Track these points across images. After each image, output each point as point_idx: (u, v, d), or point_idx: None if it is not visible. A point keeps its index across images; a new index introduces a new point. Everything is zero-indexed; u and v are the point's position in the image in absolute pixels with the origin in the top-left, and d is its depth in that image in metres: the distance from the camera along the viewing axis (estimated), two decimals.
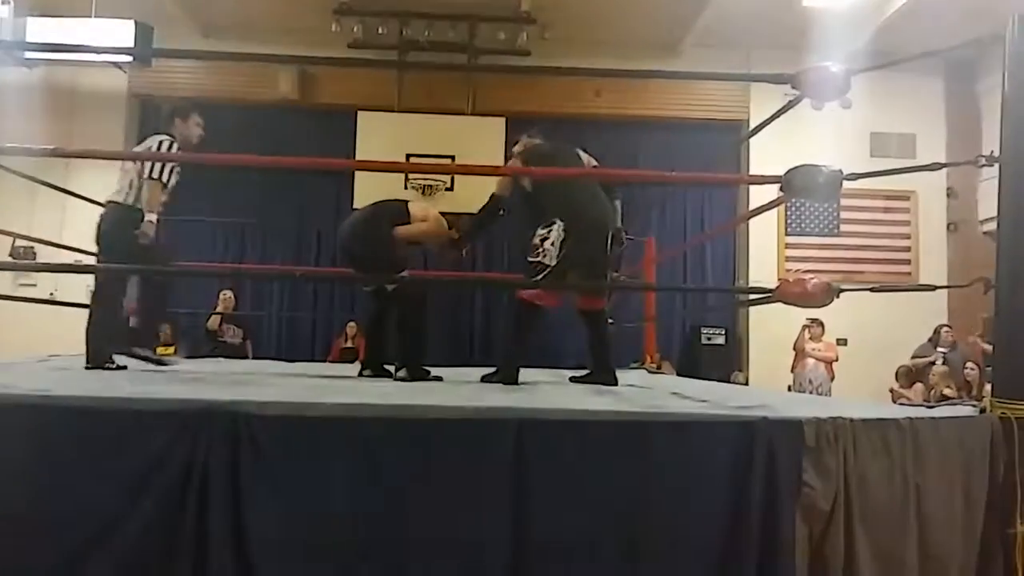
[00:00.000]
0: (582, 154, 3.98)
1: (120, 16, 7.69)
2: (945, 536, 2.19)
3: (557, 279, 3.69)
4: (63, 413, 1.96)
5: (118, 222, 3.81)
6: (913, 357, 8.02)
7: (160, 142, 3.89)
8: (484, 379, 3.65)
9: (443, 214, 4.15)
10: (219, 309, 7.91)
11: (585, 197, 3.77)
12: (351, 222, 4.13)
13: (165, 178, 3.82)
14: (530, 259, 3.72)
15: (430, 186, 8.61)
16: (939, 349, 7.84)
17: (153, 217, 3.76)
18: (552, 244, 3.66)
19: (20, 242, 7.67)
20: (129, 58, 8.35)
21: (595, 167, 4.01)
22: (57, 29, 7.58)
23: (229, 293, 8.16)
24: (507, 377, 3.63)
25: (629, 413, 2.19)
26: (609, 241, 3.81)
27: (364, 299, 4.43)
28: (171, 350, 8.05)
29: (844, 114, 8.13)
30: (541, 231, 3.72)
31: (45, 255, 7.33)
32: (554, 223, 3.70)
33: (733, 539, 2.01)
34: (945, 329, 7.94)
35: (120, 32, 7.68)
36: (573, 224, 3.68)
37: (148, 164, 3.79)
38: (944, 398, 6.43)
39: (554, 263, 3.64)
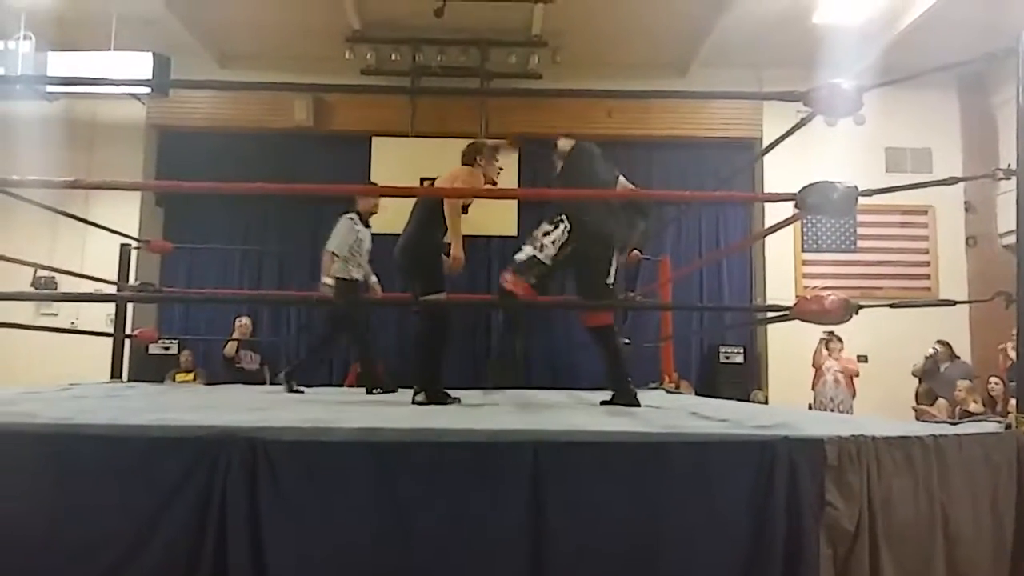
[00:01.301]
0: (620, 178, 3.96)
1: (138, 49, 7.84)
2: (973, 554, 2.15)
3: (541, 279, 3.61)
4: (84, 441, 1.98)
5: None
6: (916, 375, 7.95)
7: (348, 218, 5.29)
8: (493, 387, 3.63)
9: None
10: (236, 335, 7.96)
11: (601, 209, 3.72)
12: (404, 234, 4.11)
13: (336, 250, 5.10)
14: (525, 245, 3.63)
15: None
16: (930, 348, 7.75)
17: (328, 280, 5.02)
18: (553, 243, 3.57)
19: (41, 272, 7.77)
20: (147, 89, 8.49)
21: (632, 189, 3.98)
22: (77, 63, 7.74)
23: (246, 319, 8.20)
24: (510, 368, 3.66)
25: (647, 434, 2.17)
26: (613, 260, 3.73)
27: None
28: (191, 376, 8.11)
29: (858, 130, 8.12)
30: (546, 225, 3.63)
31: (66, 285, 7.42)
32: (561, 221, 3.60)
33: (756, 561, 1.98)
34: (938, 345, 7.82)
35: (138, 64, 7.83)
36: (578, 230, 3.59)
37: (329, 240, 5.14)
38: (967, 414, 6.33)
39: (548, 263, 3.56)
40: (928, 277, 8.96)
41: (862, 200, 2.44)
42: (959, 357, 7.88)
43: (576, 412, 3.34)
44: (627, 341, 6.13)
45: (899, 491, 2.09)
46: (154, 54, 7.90)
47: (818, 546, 1.99)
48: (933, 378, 7.67)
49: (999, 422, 2.47)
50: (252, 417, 2.48)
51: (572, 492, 1.97)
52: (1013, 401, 2.50)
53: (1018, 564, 2.21)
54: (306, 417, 2.56)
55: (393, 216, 8.66)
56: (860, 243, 9.03)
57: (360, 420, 2.45)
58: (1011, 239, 3.11)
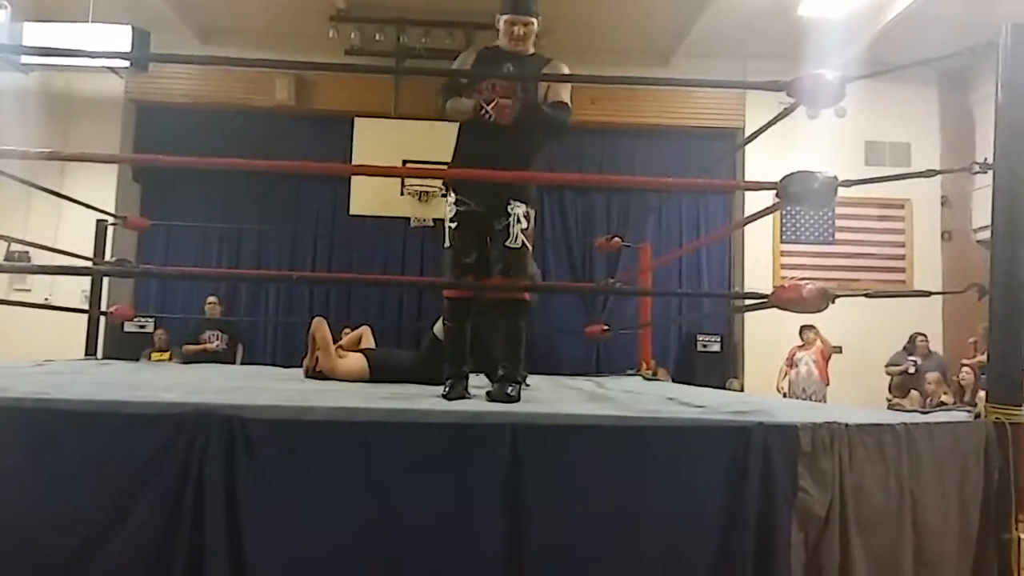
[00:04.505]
0: None
1: (117, 21, 7.68)
2: (940, 541, 2.20)
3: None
4: (60, 416, 1.96)
5: None
6: (888, 365, 8.07)
7: None
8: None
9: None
10: (206, 315, 7.94)
11: None
12: None
13: None
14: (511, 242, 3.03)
15: (426, 192, 8.62)
16: (910, 358, 7.89)
17: None
18: (526, 233, 3.04)
19: (15, 247, 7.65)
20: (126, 63, 8.35)
21: None
22: (54, 34, 7.58)
23: (212, 298, 8.14)
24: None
25: (624, 418, 2.19)
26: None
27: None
28: (166, 355, 8.04)
29: (839, 123, 8.20)
30: (524, 208, 3.05)
31: (40, 261, 7.31)
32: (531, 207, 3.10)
33: (728, 544, 2.01)
34: (920, 339, 7.98)
35: (117, 37, 7.67)
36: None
37: None
38: (940, 404, 6.44)
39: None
40: (903, 270, 9.09)
41: (841, 192, 2.46)
42: (934, 352, 8.03)
43: (554, 396, 3.37)
44: (606, 327, 6.17)
45: (870, 478, 2.13)
46: (133, 27, 7.74)
47: (790, 530, 2.02)
48: (910, 375, 7.81)
49: (968, 411, 2.52)
50: (229, 396, 2.47)
51: (549, 474, 1.99)
52: (982, 393, 2.55)
53: (983, 551, 2.26)
54: (284, 396, 2.55)
55: (372, 200, 8.65)
56: (838, 235, 9.13)
57: (339, 400, 2.45)
58: (985, 234, 3.17)
